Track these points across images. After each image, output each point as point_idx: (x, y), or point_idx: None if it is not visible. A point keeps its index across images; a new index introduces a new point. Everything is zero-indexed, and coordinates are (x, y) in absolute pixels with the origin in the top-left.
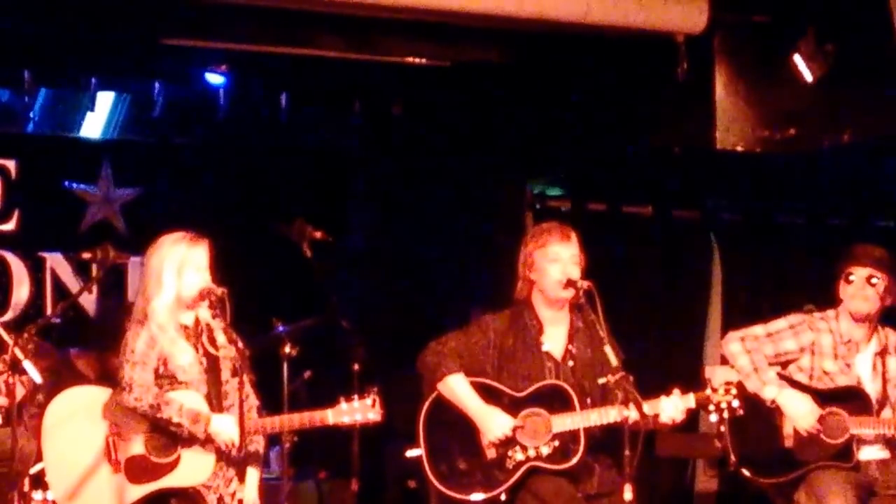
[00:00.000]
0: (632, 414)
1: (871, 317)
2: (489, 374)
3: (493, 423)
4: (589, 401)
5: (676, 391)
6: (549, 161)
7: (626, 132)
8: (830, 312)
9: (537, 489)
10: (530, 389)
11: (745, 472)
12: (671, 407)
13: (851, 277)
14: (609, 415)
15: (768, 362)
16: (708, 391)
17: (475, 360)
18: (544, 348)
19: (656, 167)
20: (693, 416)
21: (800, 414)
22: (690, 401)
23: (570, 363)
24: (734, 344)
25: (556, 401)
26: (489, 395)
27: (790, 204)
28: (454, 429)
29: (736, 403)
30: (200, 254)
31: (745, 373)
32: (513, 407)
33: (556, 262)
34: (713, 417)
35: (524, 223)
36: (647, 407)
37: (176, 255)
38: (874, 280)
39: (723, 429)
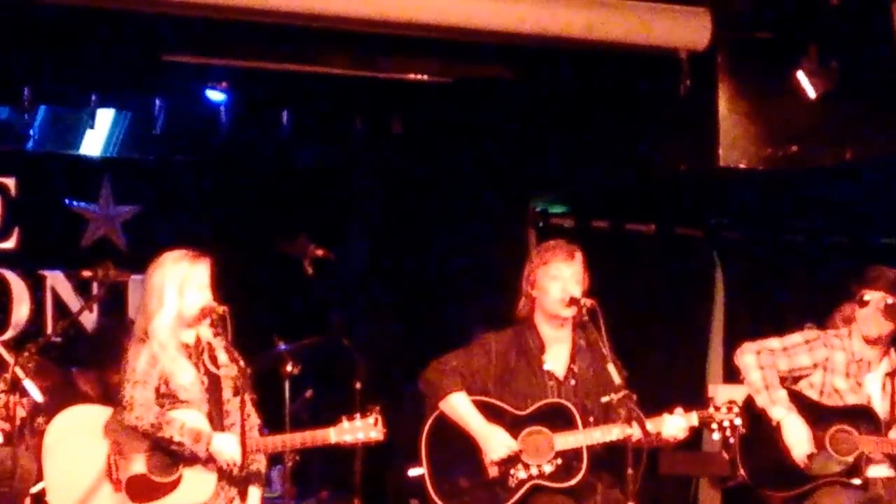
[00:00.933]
0: (635, 432)
1: (883, 339)
2: (491, 393)
3: (496, 441)
4: (591, 419)
5: (679, 409)
6: (552, 178)
7: (629, 149)
8: (844, 331)
9: None
10: (532, 408)
11: (751, 481)
12: (674, 425)
13: (866, 299)
14: (612, 433)
15: (781, 377)
16: (710, 409)
17: (477, 379)
18: (546, 367)
19: (659, 184)
20: (696, 435)
21: (794, 443)
22: (693, 419)
23: (573, 382)
24: (749, 356)
25: (558, 419)
26: (491, 413)
27: (793, 222)
28: (456, 447)
29: (738, 422)
30: (202, 272)
31: (755, 388)
32: (515, 425)
33: (556, 279)
34: (716, 436)
35: (527, 241)
36: (650, 425)
37: (177, 274)
38: (888, 303)
39: (732, 440)
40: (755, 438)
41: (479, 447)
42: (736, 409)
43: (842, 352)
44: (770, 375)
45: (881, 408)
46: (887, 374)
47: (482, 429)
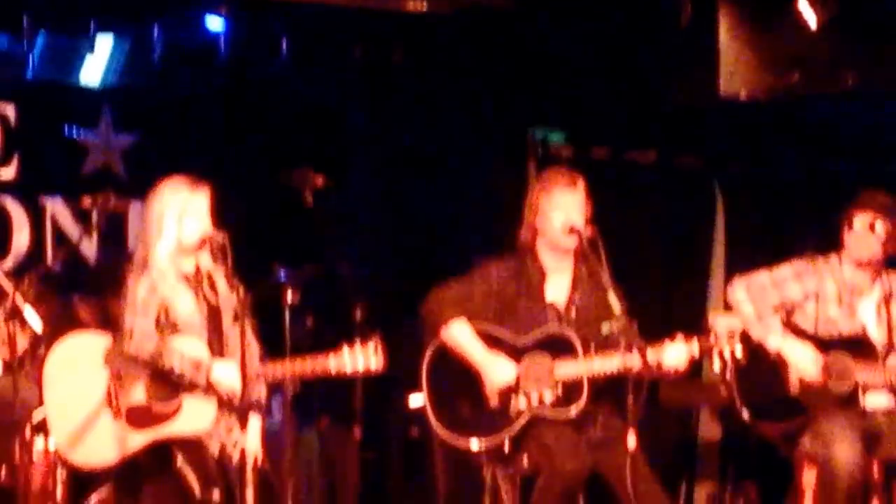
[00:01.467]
0: (635, 361)
1: (874, 263)
2: (492, 321)
3: (496, 370)
4: (592, 348)
5: (680, 338)
6: (552, 107)
7: (629, 78)
8: (834, 258)
9: (540, 436)
10: (533, 336)
11: (751, 418)
12: (674, 354)
13: (855, 223)
14: (612, 362)
15: (773, 309)
16: (711, 339)
17: (478, 307)
18: (547, 296)
19: (659, 114)
20: (697, 364)
21: (802, 364)
22: (694, 348)
23: (573, 311)
24: (739, 291)
25: (559, 348)
26: (492, 341)
27: (794, 150)
28: (457, 376)
29: (739, 351)
30: (202, 200)
31: (749, 321)
32: (515, 354)
33: (559, 208)
34: (716, 365)
35: (526, 170)
36: (651, 354)
37: (177, 202)
38: (878, 226)
39: (728, 375)
40: (752, 372)
41: (480, 376)
42: (737, 339)
43: (832, 280)
44: (762, 307)
45: (878, 334)
46: (881, 300)
47: (483, 358)
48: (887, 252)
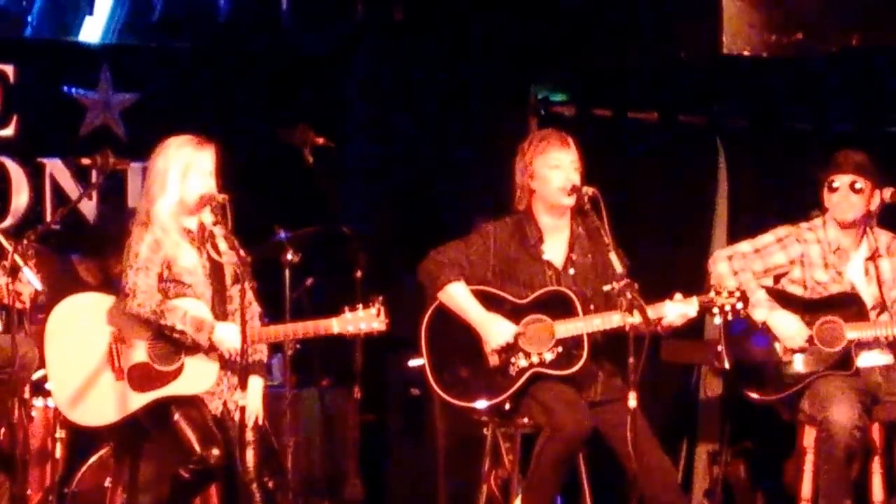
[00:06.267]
0: (635, 320)
1: (857, 223)
2: (490, 282)
3: (495, 329)
4: (592, 307)
5: (678, 295)
6: (554, 66)
7: (632, 36)
8: (817, 221)
9: (540, 395)
10: (532, 296)
11: (750, 394)
12: (674, 311)
13: (835, 185)
14: (612, 320)
15: (758, 278)
16: (711, 294)
17: (476, 269)
18: (545, 257)
19: (662, 72)
20: (698, 323)
21: (788, 335)
22: (694, 304)
23: (572, 271)
24: (721, 264)
25: (558, 307)
26: (491, 302)
27: (797, 109)
28: (456, 337)
29: (740, 306)
30: (206, 158)
31: None
32: (515, 314)
33: (557, 168)
34: (717, 320)
35: (528, 129)
36: (651, 311)
37: (181, 159)
38: (857, 186)
39: (720, 349)
40: (744, 344)
41: (479, 336)
42: (738, 294)
43: (816, 244)
44: (745, 278)
45: (868, 293)
46: (868, 259)
47: (482, 317)
48: (869, 210)
